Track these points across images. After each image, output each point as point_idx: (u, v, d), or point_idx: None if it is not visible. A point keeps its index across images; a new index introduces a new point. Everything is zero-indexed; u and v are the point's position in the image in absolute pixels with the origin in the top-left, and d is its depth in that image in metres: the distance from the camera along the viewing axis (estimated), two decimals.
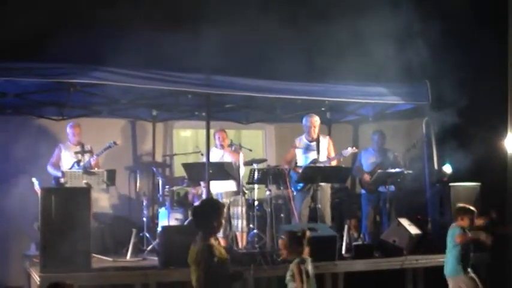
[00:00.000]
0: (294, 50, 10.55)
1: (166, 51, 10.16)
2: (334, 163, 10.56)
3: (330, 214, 10.40)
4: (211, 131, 10.32)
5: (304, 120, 10.73)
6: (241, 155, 10.43)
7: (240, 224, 10.40)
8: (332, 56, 10.35)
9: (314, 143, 10.61)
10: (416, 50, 10.54)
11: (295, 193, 10.55)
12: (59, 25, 10.49)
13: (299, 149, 10.65)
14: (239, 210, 10.40)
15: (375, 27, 10.36)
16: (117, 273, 8.56)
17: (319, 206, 10.18)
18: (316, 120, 10.66)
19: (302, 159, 10.61)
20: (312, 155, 10.53)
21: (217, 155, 10.71)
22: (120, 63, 9.20)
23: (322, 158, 10.53)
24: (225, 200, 10.51)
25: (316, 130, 10.64)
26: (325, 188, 10.42)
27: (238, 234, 10.54)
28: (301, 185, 10.34)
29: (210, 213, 6.13)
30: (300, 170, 10.33)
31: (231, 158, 10.59)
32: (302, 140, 10.72)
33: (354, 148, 10.57)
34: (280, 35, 10.57)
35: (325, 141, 10.70)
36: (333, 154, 10.67)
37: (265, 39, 10.69)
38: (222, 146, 10.82)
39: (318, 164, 10.37)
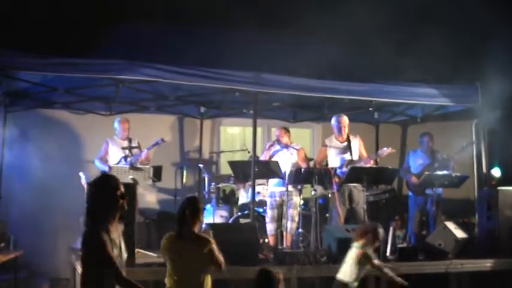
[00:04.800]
0: (341, 48, 10.45)
1: (218, 49, 10.23)
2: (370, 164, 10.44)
3: (363, 214, 10.23)
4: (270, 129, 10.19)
5: (333, 120, 10.56)
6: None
7: (290, 225, 10.28)
8: (381, 55, 10.29)
9: (345, 144, 10.47)
10: (468, 51, 10.42)
11: (329, 195, 10.49)
12: (110, 20, 10.62)
13: (331, 151, 10.50)
14: (293, 212, 10.30)
15: (429, 27, 10.28)
16: (161, 268, 8.58)
17: (357, 206, 10.26)
18: (346, 119, 10.47)
19: (335, 161, 10.44)
20: (345, 156, 10.38)
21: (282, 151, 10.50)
22: (169, 59, 9.27)
23: (356, 158, 10.38)
24: (278, 199, 10.42)
25: (346, 130, 10.47)
26: (359, 188, 10.27)
27: (284, 233, 10.47)
28: (335, 186, 10.17)
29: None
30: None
31: (295, 154, 10.45)
32: (332, 141, 10.56)
33: (391, 149, 10.33)
34: (331, 33, 10.52)
35: (356, 142, 10.52)
36: (365, 154, 10.54)
37: (314, 37, 10.65)
38: (279, 142, 10.48)
39: (354, 165, 10.18)
